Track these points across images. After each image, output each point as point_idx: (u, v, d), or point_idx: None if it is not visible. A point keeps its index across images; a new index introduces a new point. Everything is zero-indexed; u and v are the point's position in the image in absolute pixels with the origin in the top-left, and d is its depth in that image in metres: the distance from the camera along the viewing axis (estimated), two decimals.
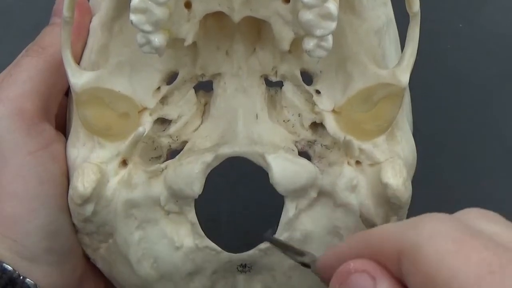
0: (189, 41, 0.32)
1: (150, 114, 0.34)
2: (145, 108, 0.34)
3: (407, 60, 0.32)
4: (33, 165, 0.33)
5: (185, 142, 0.35)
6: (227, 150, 0.33)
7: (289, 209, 0.33)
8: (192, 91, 0.35)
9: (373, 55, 0.33)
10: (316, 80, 0.34)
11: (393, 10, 0.34)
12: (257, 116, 0.34)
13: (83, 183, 0.32)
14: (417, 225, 0.22)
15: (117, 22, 0.34)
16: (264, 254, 0.33)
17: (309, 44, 0.30)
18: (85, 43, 0.34)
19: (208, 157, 0.32)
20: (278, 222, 0.33)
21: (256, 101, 0.34)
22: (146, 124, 0.34)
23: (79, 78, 0.33)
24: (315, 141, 0.35)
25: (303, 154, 0.34)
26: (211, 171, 0.33)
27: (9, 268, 0.32)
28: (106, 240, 0.34)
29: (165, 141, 0.35)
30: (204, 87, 0.35)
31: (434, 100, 0.47)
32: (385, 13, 0.34)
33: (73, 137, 0.34)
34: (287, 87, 0.35)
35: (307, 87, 0.34)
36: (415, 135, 0.35)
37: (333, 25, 0.29)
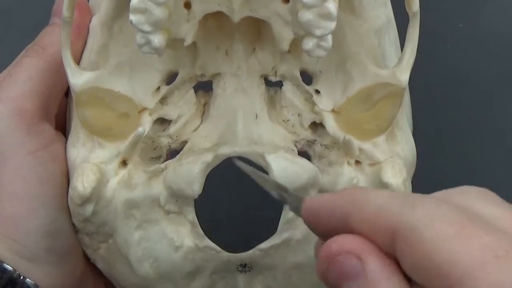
0: (188, 41, 0.32)
1: (150, 114, 0.34)
2: (145, 108, 0.34)
3: (406, 60, 0.32)
4: (33, 165, 0.33)
5: (184, 142, 0.35)
6: (227, 150, 0.33)
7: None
8: (192, 91, 0.35)
9: (373, 55, 0.33)
10: (316, 80, 0.34)
11: (393, 10, 0.34)
12: (256, 116, 0.34)
13: (83, 183, 0.32)
14: (414, 205, 0.21)
15: (116, 22, 0.34)
16: (264, 254, 0.33)
17: (309, 44, 0.30)
18: (85, 43, 0.34)
19: (208, 157, 0.32)
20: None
21: (255, 101, 0.34)
22: (145, 124, 0.34)
23: (79, 78, 0.33)
24: (315, 141, 0.35)
25: (303, 154, 0.34)
26: (211, 171, 0.33)
27: (9, 268, 0.32)
28: (106, 240, 0.34)
29: (164, 141, 0.35)
30: (204, 87, 0.35)
31: (434, 100, 0.47)
32: (385, 13, 0.34)
33: (73, 137, 0.34)
34: (287, 87, 0.35)
35: (306, 87, 0.34)
36: (415, 135, 0.35)
37: (332, 25, 0.29)
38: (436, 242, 0.20)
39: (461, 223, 0.21)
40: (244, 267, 0.34)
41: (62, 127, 0.36)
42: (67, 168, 0.34)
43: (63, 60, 0.33)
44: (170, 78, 0.35)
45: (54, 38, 0.34)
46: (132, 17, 0.29)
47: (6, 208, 0.33)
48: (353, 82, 0.33)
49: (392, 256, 0.22)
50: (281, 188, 0.27)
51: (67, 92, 0.36)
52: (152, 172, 0.33)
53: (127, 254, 0.34)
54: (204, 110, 0.35)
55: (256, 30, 0.34)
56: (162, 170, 0.33)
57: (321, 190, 0.33)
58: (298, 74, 0.34)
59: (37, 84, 0.34)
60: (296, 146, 0.34)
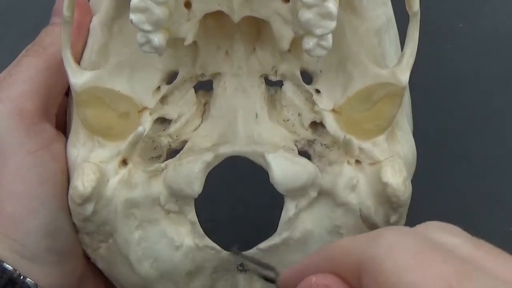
0: (189, 40, 0.32)
1: (150, 114, 0.34)
2: (145, 108, 0.34)
3: (407, 59, 0.32)
4: (33, 165, 0.33)
5: (185, 142, 0.35)
6: (227, 150, 0.33)
7: (289, 209, 0.33)
8: (192, 90, 0.35)
9: (373, 54, 0.33)
10: (316, 80, 0.34)
11: (393, 10, 0.35)
12: (257, 116, 0.34)
13: (83, 182, 0.32)
14: (376, 238, 0.22)
15: (117, 22, 0.34)
16: (264, 253, 0.33)
17: (309, 43, 0.30)
18: (85, 43, 0.34)
19: (208, 157, 0.32)
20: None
21: (256, 100, 0.34)
22: (146, 123, 0.34)
23: (79, 78, 0.33)
24: (315, 140, 0.35)
25: (303, 153, 0.34)
26: (211, 170, 0.33)
27: (9, 268, 0.32)
28: (106, 239, 0.34)
29: (165, 140, 0.35)
30: (204, 87, 0.35)
31: (434, 100, 0.47)
32: (385, 12, 0.34)
33: (73, 136, 0.34)
34: (287, 87, 0.35)
35: (307, 87, 0.34)
36: (415, 135, 0.35)
37: (332, 24, 0.29)
38: (396, 273, 0.21)
39: (420, 252, 0.21)
40: (244, 266, 0.34)
41: (62, 127, 0.36)
42: (67, 167, 0.34)
43: (64, 60, 0.33)
44: (171, 77, 0.35)
45: (54, 38, 0.34)
46: (133, 16, 0.29)
47: (6, 207, 0.32)
48: (353, 82, 0.33)
49: None
50: (263, 265, 0.31)
51: (67, 92, 0.36)
52: (152, 172, 0.33)
53: (127, 254, 0.34)
54: (204, 110, 0.35)
55: (256, 29, 0.34)
56: (162, 170, 0.33)
57: (321, 190, 0.33)
58: (298, 73, 0.34)
59: (37, 84, 0.34)
60: (296, 146, 0.34)
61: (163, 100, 0.35)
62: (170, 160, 0.34)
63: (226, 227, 0.46)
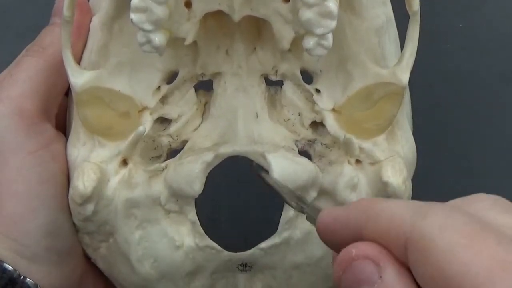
0: (189, 40, 0.32)
1: (150, 114, 0.34)
2: (145, 108, 0.34)
3: (407, 59, 0.32)
4: (33, 165, 0.33)
5: (185, 142, 0.35)
6: (227, 149, 0.33)
7: (290, 208, 0.33)
8: (192, 90, 0.35)
9: (373, 54, 0.33)
10: (316, 79, 0.34)
11: (393, 10, 0.34)
12: (257, 116, 0.34)
13: (83, 182, 0.32)
14: (427, 214, 0.21)
15: (117, 22, 0.34)
16: (264, 253, 0.33)
17: (309, 42, 0.30)
18: (85, 43, 0.34)
19: (208, 156, 0.32)
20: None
21: (256, 100, 0.34)
22: (146, 123, 0.34)
23: (79, 78, 0.33)
24: (315, 140, 0.35)
25: (304, 153, 0.34)
26: (211, 170, 0.33)
27: (9, 267, 0.32)
28: (106, 239, 0.34)
29: (165, 140, 0.35)
30: (204, 87, 0.35)
31: (434, 100, 0.47)
32: (385, 12, 0.34)
33: (73, 136, 0.34)
34: (287, 86, 0.35)
35: (307, 86, 0.34)
36: (415, 134, 0.35)
37: (333, 23, 0.29)
38: (448, 253, 0.20)
39: (472, 233, 0.21)
40: (244, 266, 0.34)
41: (62, 127, 0.36)
42: (67, 167, 0.34)
43: (64, 60, 0.33)
44: (171, 77, 0.35)
45: (55, 38, 0.34)
46: (133, 16, 0.29)
47: (6, 207, 0.33)
48: (353, 81, 0.33)
49: (406, 265, 0.22)
50: (299, 199, 0.28)
51: (67, 92, 0.36)
52: (153, 172, 0.33)
53: (128, 254, 0.34)
54: (204, 110, 0.35)
55: (257, 29, 0.34)
56: (163, 170, 0.33)
57: (322, 190, 0.33)
58: (298, 73, 0.34)
59: (37, 84, 0.34)
60: (296, 145, 0.34)
61: (164, 100, 0.35)
62: (170, 160, 0.34)
63: (226, 227, 0.46)
